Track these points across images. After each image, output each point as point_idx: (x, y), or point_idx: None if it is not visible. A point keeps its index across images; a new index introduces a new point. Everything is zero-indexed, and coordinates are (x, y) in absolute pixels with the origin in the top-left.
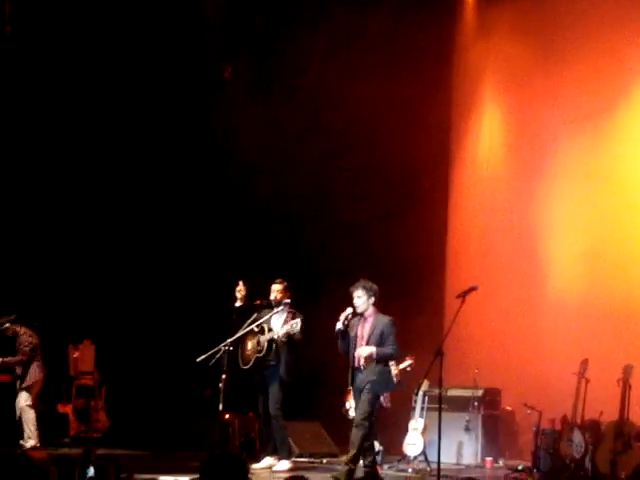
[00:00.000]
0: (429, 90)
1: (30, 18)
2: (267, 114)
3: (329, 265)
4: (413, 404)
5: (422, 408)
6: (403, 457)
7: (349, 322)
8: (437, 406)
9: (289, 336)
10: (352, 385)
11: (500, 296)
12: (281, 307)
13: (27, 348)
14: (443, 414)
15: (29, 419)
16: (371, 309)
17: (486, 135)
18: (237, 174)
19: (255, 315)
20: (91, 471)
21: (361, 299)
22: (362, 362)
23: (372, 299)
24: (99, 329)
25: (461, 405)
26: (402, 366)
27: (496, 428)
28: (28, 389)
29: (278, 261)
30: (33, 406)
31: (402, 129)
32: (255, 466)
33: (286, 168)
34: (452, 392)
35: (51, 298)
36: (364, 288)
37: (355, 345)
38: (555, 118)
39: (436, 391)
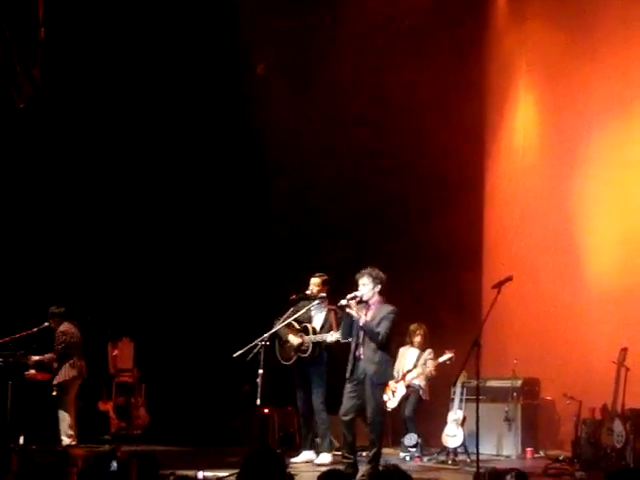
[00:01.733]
0: (463, 81)
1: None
2: (302, 110)
3: (364, 261)
4: (452, 396)
5: (461, 400)
6: (443, 449)
7: (354, 307)
8: (476, 397)
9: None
10: (352, 375)
11: (538, 285)
12: (317, 301)
13: (59, 346)
14: (482, 405)
15: (62, 417)
16: (376, 297)
17: (521, 125)
18: (271, 170)
19: (291, 310)
20: (114, 465)
21: (366, 287)
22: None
23: (378, 287)
24: (138, 326)
25: (500, 396)
26: (442, 359)
27: (536, 418)
28: (60, 387)
29: (317, 257)
30: (69, 404)
31: (436, 120)
32: (294, 460)
33: (320, 163)
34: (491, 383)
35: (90, 296)
36: (370, 275)
37: (357, 333)
38: (590, 106)
39: (474, 382)
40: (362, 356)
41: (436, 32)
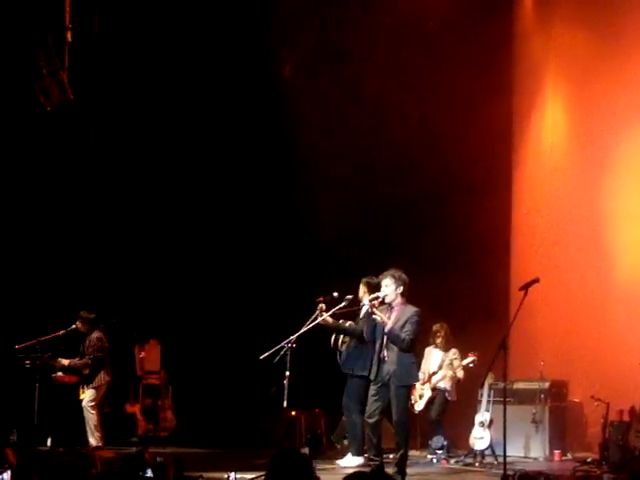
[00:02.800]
0: (490, 81)
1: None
2: (329, 107)
3: (390, 261)
4: (479, 398)
5: (488, 402)
6: (470, 451)
7: (376, 308)
8: (503, 399)
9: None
10: (376, 376)
11: (566, 287)
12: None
13: (96, 352)
14: (510, 407)
15: (90, 419)
16: (399, 299)
17: (548, 125)
18: (300, 168)
19: (317, 312)
20: (149, 472)
21: (389, 287)
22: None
23: (400, 288)
24: (165, 329)
25: (528, 398)
26: (465, 362)
27: (564, 420)
28: (94, 390)
29: (348, 258)
30: (97, 407)
31: (464, 122)
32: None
33: (350, 161)
34: (518, 385)
35: (117, 299)
36: (392, 277)
37: (382, 335)
38: (618, 108)
39: (501, 384)
40: (387, 358)
41: (463, 35)
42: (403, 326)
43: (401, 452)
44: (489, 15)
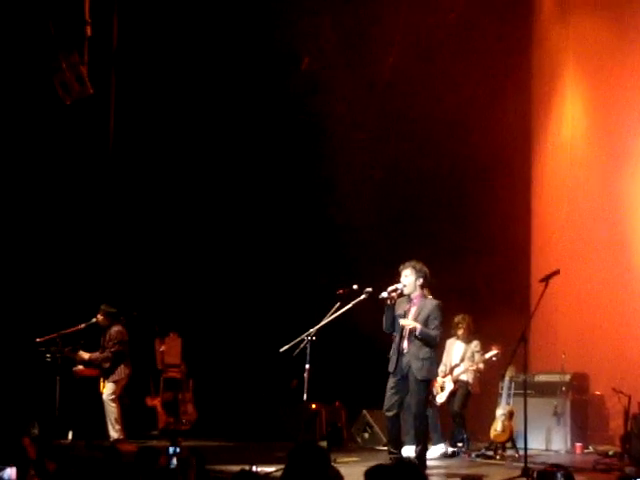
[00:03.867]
0: (509, 74)
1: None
2: (355, 102)
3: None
4: (500, 390)
5: (509, 394)
6: (491, 444)
7: (395, 300)
8: (523, 392)
9: None
10: (395, 369)
11: (587, 280)
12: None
13: (117, 345)
14: (531, 400)
15: (111, 412)
16: (418, 291)
17: (568, 118)
18: (327, 164)
19: (338, 304)
20: (173, 462)
21: (408, 278)
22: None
23: (420, 280)
24: (185, 322)
25: (549, 390)
26: (488, 355)
27: (585, 413)
28: (114, 383)
29: (362, 249)
30: (117, 400)
31: (484, 115)
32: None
33: (375, 156)
34: (539, 377)
35: (137, 292)
36: (413, 268)
37: (401, 327)
38: (639, 98)
39: (522, 377)
40: (405, 350)
41: (481, 25)
42: (426, 321)
43: (420, 446)
44: (508, 7)
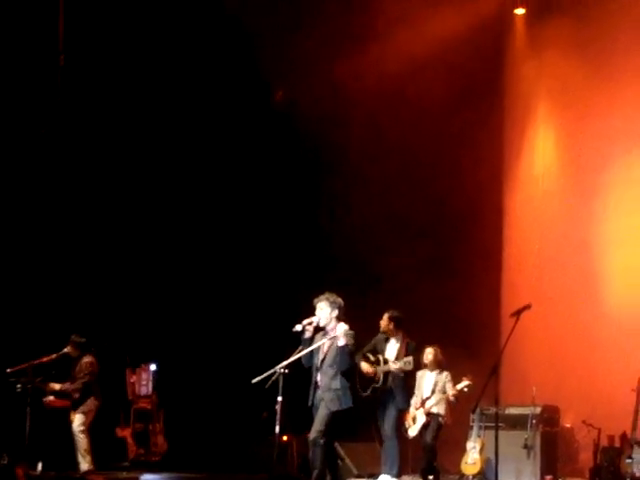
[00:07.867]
0: (482, 108)
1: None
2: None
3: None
4: (471, 423)
5: (480, 427)
6: (462, 476)
7: (312, 332)
8: (495, 425)
9: (403, 370)
10: (312, 402)
11: (557, 313)
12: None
13: (87, 376)
14: (502, 432)
15: (81, 443)
16: (334, 323)
17: (540, 152)
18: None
19: (316, 338)
20: None
21: (323, 311)
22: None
23: (335, 312)
24: (157, 353)
25: (519, 423)
26: (459, 387)
27: (555, 446)
28: (83, 414)
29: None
30: (87, 431)
31: (456, 148)
32: None
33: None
34: (510, 410)
35: (108, 323)
36: (327, 300)
37: (318, 361)
38: (610, 134)
39: (493, 410)
40: (320, 383)
41: (453, 61)
42: (338, 347)
43: (317, 472)
44: (479, 40)
